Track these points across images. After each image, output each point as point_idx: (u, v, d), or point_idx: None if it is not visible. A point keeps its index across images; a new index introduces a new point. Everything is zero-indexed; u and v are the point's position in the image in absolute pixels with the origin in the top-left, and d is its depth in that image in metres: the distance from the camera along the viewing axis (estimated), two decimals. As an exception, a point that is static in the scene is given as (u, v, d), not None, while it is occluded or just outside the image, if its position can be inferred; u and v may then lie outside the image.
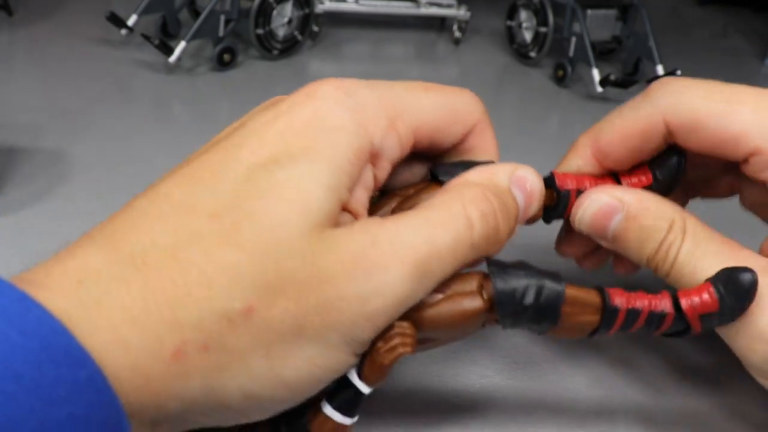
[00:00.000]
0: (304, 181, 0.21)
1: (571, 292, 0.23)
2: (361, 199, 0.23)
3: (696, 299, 0.23)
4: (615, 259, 0.31)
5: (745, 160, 0.26)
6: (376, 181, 0.24)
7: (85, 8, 0.71)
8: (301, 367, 0.20)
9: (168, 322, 0.19)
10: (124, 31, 0.61)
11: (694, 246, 0.25)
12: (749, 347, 0.24)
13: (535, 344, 0.32)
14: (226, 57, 0.60)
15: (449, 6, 0.72)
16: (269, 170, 0.21)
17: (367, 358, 0.22)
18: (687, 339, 0.32)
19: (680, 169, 0.28)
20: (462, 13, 0.72)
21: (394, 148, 0.24)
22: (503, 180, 0.24)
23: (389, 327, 0.21)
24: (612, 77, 0.58)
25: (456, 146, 0.26)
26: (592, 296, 0.23)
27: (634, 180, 0.28)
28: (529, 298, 0.22)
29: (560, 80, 0.64)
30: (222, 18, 0.59)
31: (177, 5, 0.64)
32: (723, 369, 0.31)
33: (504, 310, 0.22)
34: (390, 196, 0.26)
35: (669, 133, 0.27)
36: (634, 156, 0.28)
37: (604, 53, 0.69)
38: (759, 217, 0.30)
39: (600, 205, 0.27)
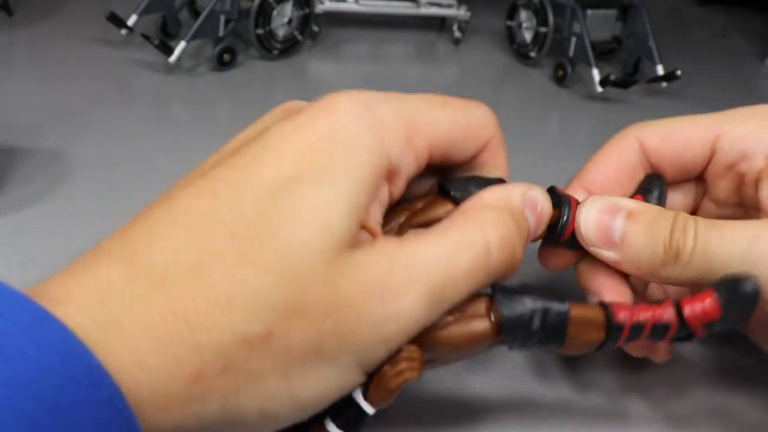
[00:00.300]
0: (325, 201, 0.21)
1: (576, 312, 0.23)
2: (376, 216, 0.23)
3: (699, 307, 0.23)
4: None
5: (713, 152, 0.28)
6: (391, 197, 0.24)
7: (85, 8, 0.71)
8: (315, 386, 0.20)
9: (188, 344, 0.19)
10: (124, 31, 0.61)
11: (711, 222, 0.25)
12: None
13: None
14: (226, 57, 0.60)
15: (449, 6, 0.72)
16: (289, 189, 0.21)
17: (373, 381, 0.22)
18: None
19: (663, 191, 0.29)
20: (462, 13, 0.72)
21: (410, 165, 0.24)
22: (518, 202, 0.24)
23: (397, 350, 0.22)
24: (612, 77, 0.58)
25: (468, 161, 0.27)
26: (596, 314, 0.23)
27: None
28: (536, 323, 0.23)
29: (560, 80, 0.64)
30: (222, 18, 0.59)
31: (177, 5, 0.64)
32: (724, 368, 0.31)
33: (512, 336, 0.23)
34: (397, 209, 0.26)
35: (644, 153, 0.29)
36: (617, 180, 0.29)
37: (604, 53, 0.69)
38: None
39: (601, 207, 0.26)
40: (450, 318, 0.22)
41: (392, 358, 0.21)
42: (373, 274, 0.20)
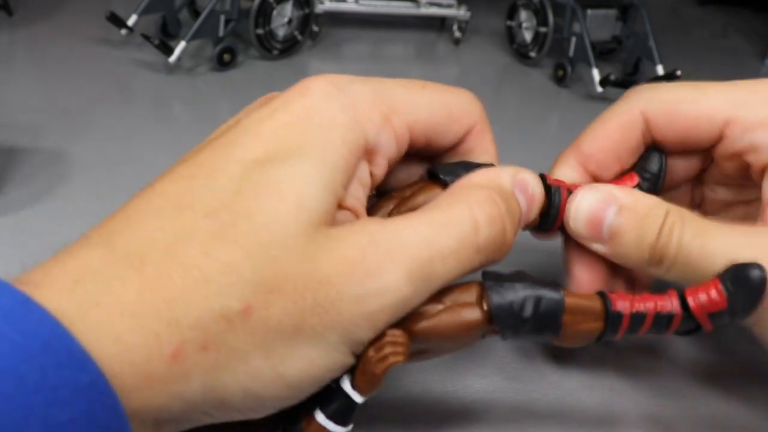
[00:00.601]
0: (299, 178, 0.21)
1: (571, 300, 0.22)
2: (357, 195, 0.23)
3: (704, 296, 0.22)
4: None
5: (721, 137, 0.27)
6: (374, 179, 0.24)
7: (85, 8, 0.71)
8: (300, 365, 0.20)
9: (166, 320, 0.19)
10: (124, 31, 0.61)
11: (698, 229, 0.25)
12: None
13: (536, 343, 0.32)
14: (226, 57, 0.60)
15: (449, 6, 0.72)
16: (264, 168, 0.21)
17: (358, 368, 0.21)
18: (697, 339, 0.32)
19: (663, 167, 0.28)
20: (462, 13, 0.72)
21: (389, 144, 0.24)
22: (508, 182, 0.24)
23: (381, 335, 0.21)
24: (612, 77, 0.58)
25: (454, 147, 0.26)
26: (593, 303, 0.23)
27: (621, 183, 0.28)
28: (528, 311, 0.22)
29: (560, 80, 0.64)
30: (222, 18, 0.59)
31: (177, 5, 0.64)
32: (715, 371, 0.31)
33: (503, 324, 0.22)
34: (387, 197, 0.26)
35: (647, 127, 0.28)
36: (617, 155, 0.28)
37: (604, 53, 0.69)
38: None
39: (592, 200, 0.26)
40: (440, 306, 0.22)
41: (376, 343, 0.21)
42: (354, 251, 0.20)
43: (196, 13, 0.65)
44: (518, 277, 0.23)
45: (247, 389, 0.20)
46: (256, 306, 0.19)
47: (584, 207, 0.26)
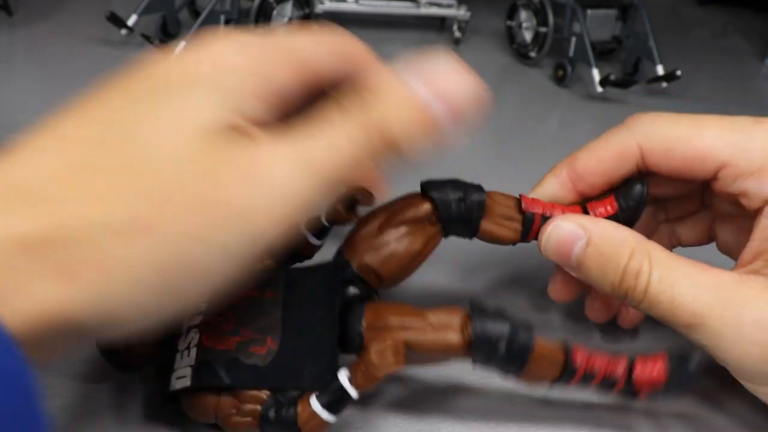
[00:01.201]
0: (194, 101, 0.21)
1: (539, 347, 0.24)
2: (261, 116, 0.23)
3: (647, 372, 0.25)
4: (588, 307, 0.32)
5: (715, 177, 0.27)
6: (282, 108, 0.24)
7: (85, 8, 0.71)
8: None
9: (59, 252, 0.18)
10: (124, 31, 0.61)
11: (666, 272, 0.26)
12: (742, 352, 0.25)
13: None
14: (226, 57, 0.60)
15: (449, 6, 0.72)
16: (158, 96, 0.21)
17: (360, 368, 0.24)
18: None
19: (643, 196, 0.29)
20: (462, 13, 0.72)
21: (290, 83, 0.24)
22: (413, 91, 0.23)
23: (384, 341, 0.23)
24: (612, 77, 0.58)
25: (347, 79, 0.27)
26: (557, 354, 0.25)
27: (600, 209, 0.29)
28: (502, 348, 0.24)
29: (560, 80, 0.64)
30: (222, 18, 0.59)
31: (177, 5, 0.64)
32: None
33: (478, 353, 0.24)
34: (378, 210, 0.27)
35: (642, 158, 0.28)
36: (608, 179, 0.29)
37: (604, 53, 0.69)
38: (735, 260, 0.30)
39: (562, 232, 0.27)
40: (428, 326, 0.24)
41: (379, 347, 0.23)
42: (248, 156, 0.20)
43: (196, 13, 0.65)
44: (500, 314, 0.25)
45: (133, 301, 0.19)
46: (151, 219, 0.19)
47: (554, 238, 0.27)
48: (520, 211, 0.28)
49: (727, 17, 0.91)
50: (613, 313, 0.32)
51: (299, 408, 0.24)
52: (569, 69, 0.63)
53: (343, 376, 0.24)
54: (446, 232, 0.28)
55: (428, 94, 0.23)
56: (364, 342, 0.25)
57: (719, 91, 0.67)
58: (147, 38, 0.57)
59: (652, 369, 0.25)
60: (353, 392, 0.23)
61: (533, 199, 0.29)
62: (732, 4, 0.94)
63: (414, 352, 0.24)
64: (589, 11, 0.63)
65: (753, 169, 0.27)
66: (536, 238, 0.28)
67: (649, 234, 0.32)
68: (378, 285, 0.27)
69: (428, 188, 0.28)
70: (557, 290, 0.31)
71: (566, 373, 0.25)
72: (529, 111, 0.59)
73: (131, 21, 0.61)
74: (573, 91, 0.63)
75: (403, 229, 0.27)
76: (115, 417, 0.26)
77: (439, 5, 0.72)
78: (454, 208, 0.27)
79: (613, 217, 0.28)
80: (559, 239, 0.27)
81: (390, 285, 0.28)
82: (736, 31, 0.86)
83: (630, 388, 0.25)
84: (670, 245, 0.33)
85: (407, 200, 0.28)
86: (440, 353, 0.24)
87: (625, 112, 0.61)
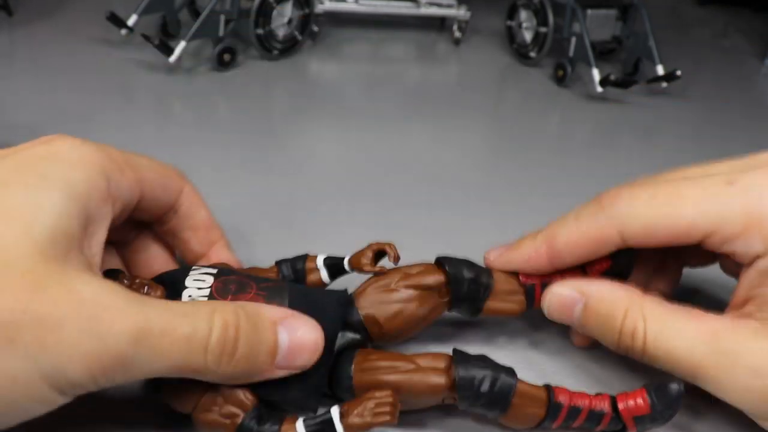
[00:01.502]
0: (33, 205, 0.21)
1: (522, 386, 0.26)
2: (98, 239, 0.24)
3: (631, 403, 0.26)
4: (572, 333, 0.32)
5: (700, 243, 0.28)
6: (114, 222, 0.25)
7: (85, 8, 0.71)
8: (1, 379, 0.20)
9: None
10: (124, 31, 0.61)
11: (660, 328, 0.27)
12: (745, 388, 0.25)
13: (536, 347, 0.32)
14: (226, 57, 0.60)
15: (449, 6, 0.72)
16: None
17: (356, 410, 0.24)
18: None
19: (631, 265, 0.31)
20: (462, 13, 0.72)
21: (126, 191, 0.25)
22: (268, 314, 0.25)
23: (385, 392, 0.25)
24: (612, 77, 0.58)
25: (173, 208, 0.29)
26: (539, 392, 0.26)
27: (596, 266, 0.30)
28: (485, 386, 0.25)
29: (560, 80, 0.64)
30: (222, 18, 0.59)
31: (177, 5, 0.64)
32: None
33: (463, 393, 0.25)
34: (393, 270, 0.29)
35: (622, 240, 0.29)
36: (586, 260, 0.30)
37: (604, 53, 0.69)
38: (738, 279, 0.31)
39: (559, 299, 0.29)
40: (412, 366, 0.26)
41: (380, 396, 0.25)
42: (88, 292, 0.21)
43: (196, 13, 0.65)
44: (482, 358, 0.26)
45: None
46: None
47: (554, 306, 0.29)
48: (521, 283, 0.30)
49: (727, 17, 0.91)
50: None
51: (284, 427, 0.24)
52: (569, 69, 0.63)
53: (335, 411, 0.25)
54: (452, 306, 0.30)
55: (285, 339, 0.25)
56: (353, 382, 0.26)
57: (719, 91, 0.67)
58: (147, 38, 0.57)
59: (634, 403, 0.26)
60: (340, 429, 0.24)
61: (527, 278, 0.30)
62: (732, 4, 0.94)
63: (401, 393, 0.25)
64: (589, 11, 0.63)
65: (737, 232, 0.27)
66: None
67: (661, 262, 0.33)
68: (377, 337, 0.28)
69: (444, 263, 0.29)
70: (578, 338, 0.32)
71: (552, 410, 0.26)
72: (529, 111, 0.59)
73: (131, 21, 0.61)
74: (573, 91, 0.63)
75: (414, 293, 0.28)
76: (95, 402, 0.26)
77: (439, 5, 0.72)
78: (466, 287, 0.29)
79: (607, 271, 0.30)
80: (560, 306, 0.29)
81: (387, 340, 0.29)
82: (736, 31, 0.86)
83: (619, 418, 0.26)
84: (680, 268, 0.34)
85: (425, 267, 0.29)
86: (425, 393, 0.26)
87: (625, 112, 0.61)
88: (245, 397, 0.24)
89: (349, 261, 0.30)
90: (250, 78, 0.59)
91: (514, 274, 0.30)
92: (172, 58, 0.57)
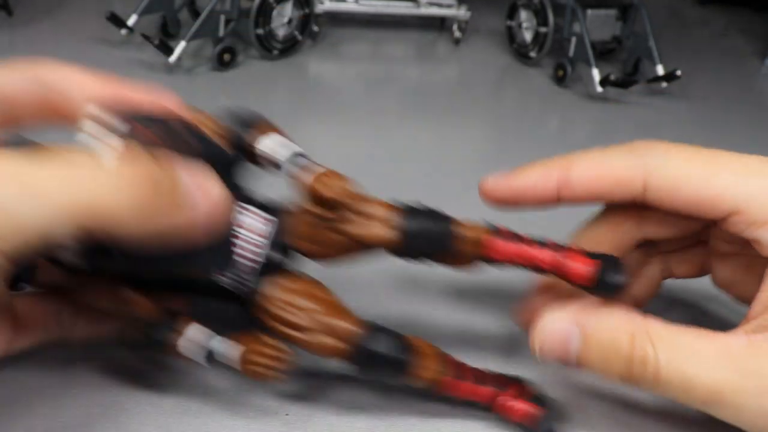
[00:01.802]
0: None
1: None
2: None
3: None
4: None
5: (723, 220, 0.26)
6: None
7: (85, 8, 0.71)
8: None
9: None
10: (124, 31, 0.61)
11: (672, 352, 0.24)
12: (766, 422, 0.23)
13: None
14: (226, 57, 0.60)
15: (449, 6, 0.72)
16: None
17: (246, 355, 0.25)
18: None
19: (623, 271, 0.26)
20: (462, 13, 0.72)
21: None
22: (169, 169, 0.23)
23: (269, 343, 0.25)
24: (612, 77, 0.58)
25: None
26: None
27: (577, 264, 0.26)
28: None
29: (560, 80, 0.64)
30: (222, 18, 0.59)
31: (177, 5, 0.64)
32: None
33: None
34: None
35: (643, 192, 0.26)
36: (597, 199, 0.27)
37: (604, 53, 0.69)
38: (730, 295, 0.30)
39: (553, 334, 0.25)
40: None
41: (268, 347, 0.25)
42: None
43: (196, 13, 0.65)
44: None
45: None
46: None
47: (547, 344, 0.26)
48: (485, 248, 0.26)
49: (727, 17, 0.91)
50: None
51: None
52: (569, 69, 0.63)
53: (216, 339, 0.25)
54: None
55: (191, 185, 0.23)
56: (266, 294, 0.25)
57: (719, 91, 0.67)
58: (147, 38, 0.57)
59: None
60: (221, 346, 0.25)
61: (505, 243, 0.26)
62: (732, 4, 0.94)
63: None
64: (589, 11, 0.63)
65: (766, 219, 0.25)
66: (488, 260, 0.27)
67: (640, 267, 0.30)
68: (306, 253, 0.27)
69: (408, 223, 0.26)
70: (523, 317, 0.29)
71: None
72: (529, 111, 0.59)
73: (131, 21, 0.61)
74: (573, 91, 0.63)
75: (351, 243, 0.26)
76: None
77: (439, 5, 0.72)
78: (417, 253, 0.26)
79: (588, 288, 0.26)
80: (553, 343, 0.25)
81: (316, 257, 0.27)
82: (737, 31, 0.86)
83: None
84: (662, 277, 0.31)
85: (379, 216, 0.26)
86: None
87: (625, 112, 0.61)
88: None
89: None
90: (250, 78, 0.59)
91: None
92: (172, 58, 0.57)
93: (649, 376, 0.24)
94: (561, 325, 0.25)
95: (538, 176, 0.28)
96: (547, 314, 0.26)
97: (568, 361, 0.25)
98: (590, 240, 0.29)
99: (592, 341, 0.25)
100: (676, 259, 0.31)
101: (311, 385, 0.28)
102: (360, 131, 0.52)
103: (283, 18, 0.63)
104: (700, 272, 0.31)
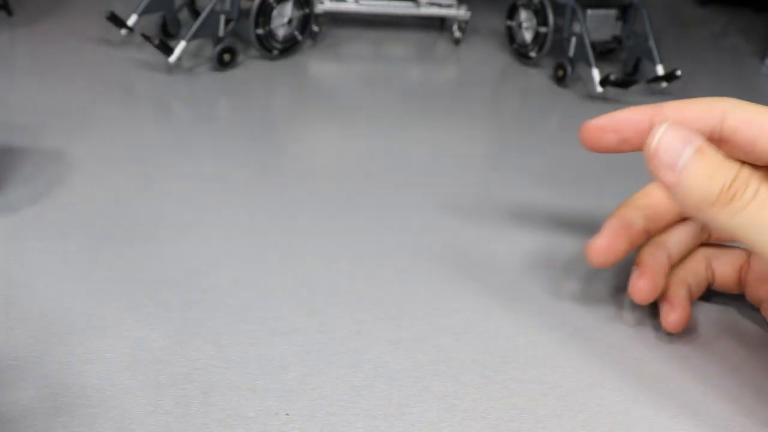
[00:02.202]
0: None
1: None
2: None
3: None
4: (632, 285, 0.32)
5: None
6: None
7: (85, 8, 0.71)
8: None
9: None
10: (124, 31, 0.61)
11: None
12: None
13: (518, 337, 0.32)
14: (226, 57, 0.60)
15: (449, 6, 0.72)
16: None
17: None
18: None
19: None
20: (462, 13, 0.72)
21: None
22: None
23: None
24: (612, 77, 0.58)
25: None
26: None
27: None
28: None
29: (560, 80, 0.64)
30: (222, 18, 0.59)
31: (177, 5, 0.64)
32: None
33: None
34: None
35: (721, 120, 0.29)
36: (686, 120, 0.30)
37: (604, 53, 0.69)
38: (763, 314, 0.32)
39: (676, 134, 0.28)
40: None
41: None
42: None
43: (196, 13, 0.65)
44: None
45: None
46: None
47: (668, 136, 0.28)
48: None
49: (727, 17, 0.91)
50: (657, 293, 0.32)
51: None
52: (569, 69, 0.63)
53: None
54: None
55: None
56: None
57: (719, 91, 0.66)
58: (147, 38, 0.57)
59: None
60: None
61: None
62: (732, 4, 0.94)
63: None
64: (589, 11, 0.63)
65: None
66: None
67: (687, 253, 0.34)
68: None
69: None
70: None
71: None
72: (529, 111, 0.59)
73: (131, 21, 0.61)
74: (573, 91, 0.63)
75: None
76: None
77: (439, 5, 0.72)
78: None
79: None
80: (671, 140, 0.28)
81: None
82: (736, 31, 0.86)
83: None
84: (706, 280, 0.34)
85: None
86: None
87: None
88: None
89: None
90: (250, 78, 0.59)
91: None
92: (172, 58, 0.57)
93: (748, 195, 0.26)
94: (683, 132, 0.28)
95: (634, 111, 0.31)
96: (670, 124, 0.28)
97: (673, 162, 0.27)
98: (678, 106, 0.31)
99: (705, 153, 0.27)
100: (719, 259, 0.34)
101: (311, 385, 0.28)
102: (360, 131, 0.52)
103: (283, 18, 0.63)
104: (737, 283, 0.34)
